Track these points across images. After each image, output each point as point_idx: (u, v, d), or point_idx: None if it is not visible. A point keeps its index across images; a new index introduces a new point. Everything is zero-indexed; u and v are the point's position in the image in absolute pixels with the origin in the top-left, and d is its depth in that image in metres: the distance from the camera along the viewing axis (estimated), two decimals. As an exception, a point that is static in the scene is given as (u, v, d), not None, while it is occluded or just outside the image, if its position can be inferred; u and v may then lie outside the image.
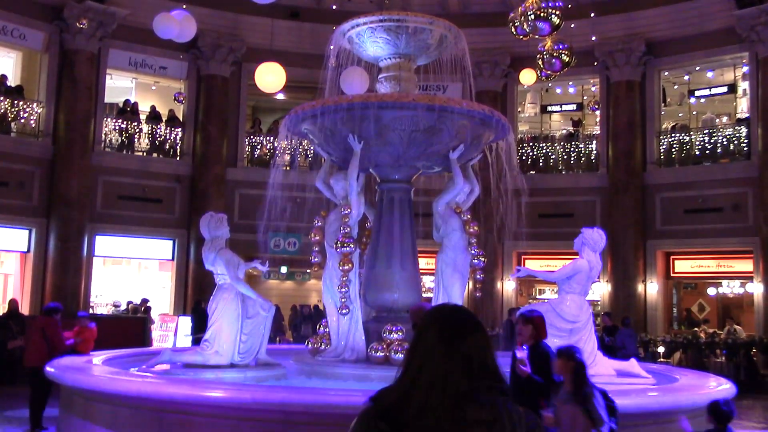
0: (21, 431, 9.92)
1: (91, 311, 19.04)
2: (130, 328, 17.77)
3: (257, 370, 9.25)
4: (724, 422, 5.68)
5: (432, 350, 2.03)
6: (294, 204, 11.84)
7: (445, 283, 9.99)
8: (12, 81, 20.80)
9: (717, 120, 22.46)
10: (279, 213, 11.27)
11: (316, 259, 10.26)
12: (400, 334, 9.33)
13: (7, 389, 13.61)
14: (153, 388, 7.59)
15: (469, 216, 10.21)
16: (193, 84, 22.59)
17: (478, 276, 10.21)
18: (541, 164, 23.13)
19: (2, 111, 19.91)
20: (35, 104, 20.46)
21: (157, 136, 22.42)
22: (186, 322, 18.16)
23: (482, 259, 10.12)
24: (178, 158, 22.46)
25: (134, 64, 22.28)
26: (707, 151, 21.16)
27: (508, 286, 22.48)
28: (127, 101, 22.82)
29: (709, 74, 22.65)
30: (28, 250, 20.09)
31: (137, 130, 22.29)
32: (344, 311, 9.52)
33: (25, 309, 18.75)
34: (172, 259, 22.24)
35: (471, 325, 2.09)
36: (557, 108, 25.55)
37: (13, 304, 16.36)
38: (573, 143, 23.34)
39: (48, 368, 8.90)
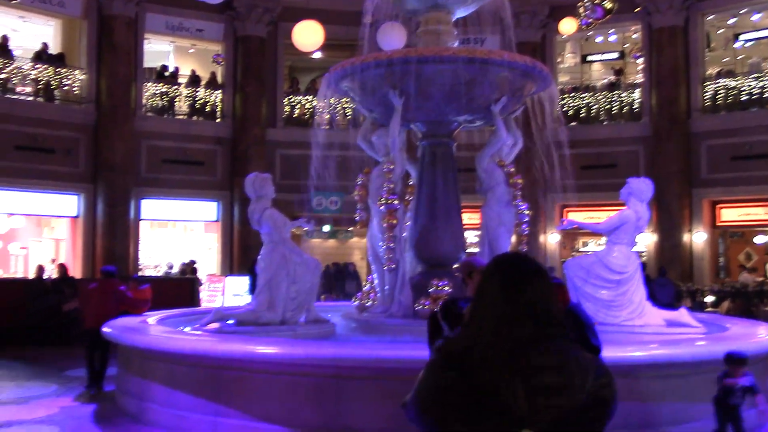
0: (81, 390, 10.25)
1: (140, 273, 19.47)
2: (179, 289, 18.12)
3: (307, 327, 9.40)
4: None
5: (495, 298, 2.05)
6: (335, 163, 11.89)
7: (490, 237, 10.00)
8: (53, 49, 21.06)
9: (764, 64, 21.81)
10: (320, 172, 11.33)
11: (360, 217, 10.32)
12: (447, 288, 9.39)
13: (65, 350, 14.04)
14: (207, 345, 7.79)
15: (512, 169, 10.17)
16: (230, 46, 22.64)
17: (523, 229, 10.20)
18: (582, 115, 22.79)
19: (46, 79, 20.20)
20: (77, 71, 20.72)
21: (197, 99, 22.57)
22: (232, 282, 18.47)
23: (527, 213, 10.10)
24: (218, 120, 22.63)
25: (171, 27, 22.38)
26: (754, 97, 20.61)
27: (551, 240, 22.38)
28: (164, 66, 22.96)
29: (755, 17, 21.94)
30: (78, 216, 20.56)
31: (177, 94, 22.46)
32: (390, 267, 9.60)
33: (77, 272, 19.26)
34: (217, 220, 22.57)
35: (533, 271, 2.12)
36: (598, 57, 25.07)
37: (62, 269, 16.81)
38: (615, 93, 22.92)
39: (105, 329, 9.16)
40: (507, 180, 10.01)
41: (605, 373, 2.06)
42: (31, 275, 18.20)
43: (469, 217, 15.93)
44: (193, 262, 21.00)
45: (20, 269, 21.11)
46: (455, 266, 10.31)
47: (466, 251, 10.86)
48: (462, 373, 1.97)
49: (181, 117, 22.45)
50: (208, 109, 22.67)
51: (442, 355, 2.07)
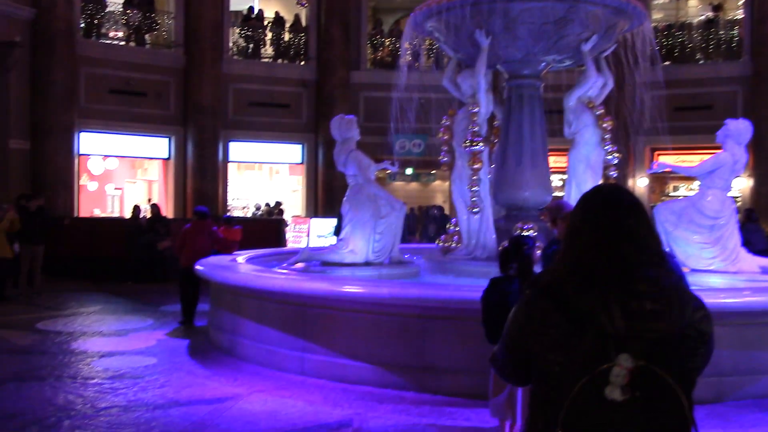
0: (175, 324, 10.74)
1: (228, 214, 20.02)
2: (266, 230, 18.58)
3: (391, 268, 9.51)
4: None
5: (597, 224, 2.05)
6: (419, 105, 11.80)
7: (578, 180, 9.81)
8: (143, -7, 21.46)
9: None
10: (404, 114, 11.28)
11: (444, 159, 10.27)
12: (532, 231, 9.30)
13: (161, 286, 14.69)
14: (296, 284, 8.00)
15: (601, 110, 9.89)
16: (315, -13, 22.57)
17: (612, 173, 9.96)
18: (677, 54, 21.82)
19: (136, 23, 20.68)
20: (165, 15, 21.11)
21: (282, 42, 22.70)
22: (317, 224, 18.80)
23: (616, 155, 9.84)
24: (302, 63, 22.74)
25: (256, -31, 22.44)
26: None
27: (640, 183, 21.79)
28: (251, 8, 23.11)
29: None
30: (169, 157, 21.23)
31: (262, 37, 22.64)
32: (475, 210, 9.57)
33: (168, 213, 19.98)
34: (302, 162, 22.89)
35: (633, 201, 2.12)
36: (695, -8, 23.86)
37: (155, 209, 17.46)
38: (712, 30, 21.81)
39: (198, 267, 9.51)
40: (596, 122, 9.75)
41: (703, 307, 2.05)
42: (127, 215, 18.98)
43: (555, 160, 15.65)
44: (279, 204, 21.44)
45: (116, 209, 22.04)
46: (541, 210, 10.20)
47: (552, 195, 10.68)
48: (557, 302, 1.98)
49: (266, 60, 22.67)
50: (292, 51, 22.79)
51: (535, 287, 2.08)
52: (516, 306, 2.14)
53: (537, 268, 5.79)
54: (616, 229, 2.03)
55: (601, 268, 1.97)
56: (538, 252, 6.87)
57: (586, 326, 1.93)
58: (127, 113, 19.97)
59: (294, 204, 23.05)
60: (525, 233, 9.18)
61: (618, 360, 1.88)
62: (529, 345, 2.06)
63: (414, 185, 24.60)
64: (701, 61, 21.72)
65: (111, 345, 9.30)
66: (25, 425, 5.94)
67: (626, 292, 1.92)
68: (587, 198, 2.16)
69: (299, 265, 9.60)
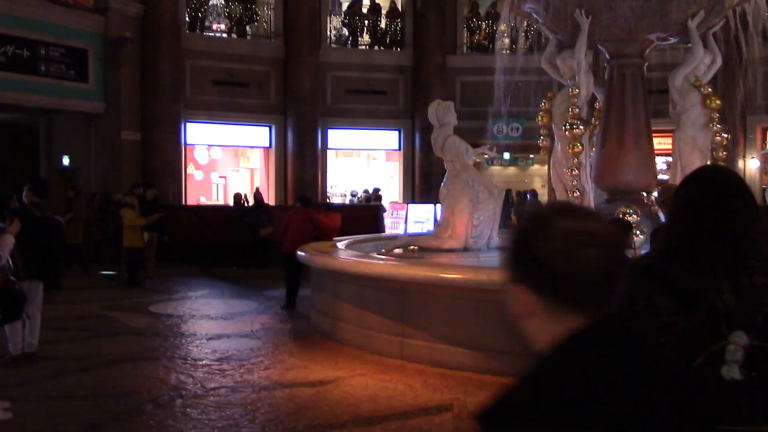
0: (278, 308, 11.05)
1: (328, 200, 20.37)
2: (364, 215, 18.79)
3: (490, 253, 9.47)
4: None
5: (702, 206, 2.02)
6: (516, 88, 11.65)
7: (684, 163, 9.46)
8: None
9: None
10: (502, 98, 11.16)
11: (543, 143, 10.12)
12: (635, 216, 9.05)
13: (264, 272, 15.11)
14: (395, 269, 8.08)
15: (709, 89, 9.49)
16: (410, -27, 22.55)
17: (720, 155, 9.56)
18: (792, 27, 20.62)
19: (238, 16, 21.25)
20: (265, 7, 21.59)
21: (378, 28, 22.82)
22: (415, 209, 18.88)
23: (725, 135, 9.43)
24: (399, 49, 22.80)
25: (353, -42, 22.59)
26: None
27: (751, 165, 20.77)
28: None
29: None
30: (270, 146, 21.75)
31: (359, 25, 22.82)
32: (575, 194, 9.39)
33: (270, 200, 20.49)
34: (399, 149, 22.99)
35: (742, 185, 2.08)
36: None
37: (258, 196, 17.94)
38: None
39: (300, 252, 9.73)
40: (703, 101, 9.36)
41: None
42: (230, 202, 19.60)
43: (659, 142, 15.18)
44: (377, 190, 21.66)
45: (221, 197, 22.78)
46: (647, 193, 9.90)
47: (657, 178, 10.35)
48: (662, 283, 1.94)
49: (363, 47, 22.85)
50: (389, 38, 22.88)
51: (636, 269, 2.04)
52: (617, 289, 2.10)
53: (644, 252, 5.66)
54: (723, 210, 1.99)
55: (707, 247, 1.93)
56: (640, 237, 6.69)
57: (695, 305, 1.88)
58: (229, 103, 20.58)
59: (392, 190, 23.20)
60: (628, 217, 8.95)
61: (732, 337, 1.83)
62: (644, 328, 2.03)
63: (512, 169, 24.32)
64: (819, 34, 20.45)
65: (218, 328, 9.67)
66: (141, 402, 6.27)
67: (735, 267, 1.88)
68: (692, 179, 2.12)
69: (398, 250, 9.69)
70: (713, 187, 2.04)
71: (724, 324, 1.85)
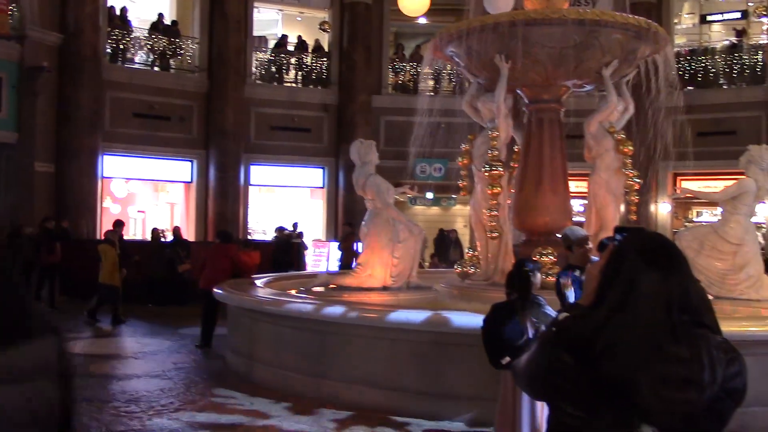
0: (192, 347, 10.72)
1: (249, 237, 20.07)
2: (286, 253, 18.59)
3: (409, 293, 9.46)
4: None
5: (635, 283, 1.88)
6: (439, 129, 11.79)
7: (598, 206, 9.72)
8: (167, 18, 21.75)
9: None
10: (424, 139, 11.27)
11: (464, 184, 10.24)
12: (552, 257, 9.22)
13: (180, 309, 14.69)
14: (313, 308, 7.97)
15: (622, 135, 9.81)
16: (337, 12, 22.77)
17: (633, 198, 9.85)
18: (699, 79, 21.67)
19: (161, 49, 20.96)
20: (189, 41, 21.39)
21: (304, 66, 22.88)
22: (337, 248, 18.79)
23: (637, 180, 9.74)
24: (324, 88, 22.89)
25: (280, -5, 22.69)
26: None
27: (662, 209, 21.57)
28: (284, 36, 23.29)
29: None
30: (191, 180, 21.38)
31: (285, 62, 22.84)
32: (494, 235, 9.50)
33: (190, 235, 20.07)
34: (323, 186, 22.95)
35: (676, 255, 1.94)
36: (718, 17, 23.70)
37: (177, 231, 17.57)
38: (736, 55, 21.66)
39: (216, 290, 9.51)
40: (616, 147, 9.66)
41: (737, 360, 1.88)
42: (148, 238, 19.09)
43: (576, 185, 15.58)
44: (296, 225, 21.49)
45: (138, 232, 22.18)
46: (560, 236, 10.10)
47: (573, 220, 10.59)
48: (583, 360, 1.84)
49: (288, 84, 22.85)
50: (314, 76, 22.96)
51: (560, 337, 1.94)
52: (539, 347, 2.01)
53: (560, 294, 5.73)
54: (656, 291, 1.86)
55: (633, 330, 1.83)
56: (543, 277, 6.78)
57: (611, 391, 1.80)
58: (150, 137, 20.16)
59: (314, 228, 23.07)
60: (544, 258, 9.11)
61: (641, 430, 1.80)
62: (548, 393, 1.97)
63: (434, 209, 24.56)
64: (725, 86, 21.55)
65: (128, 368, 9.31)
66: (40, 448, 5.92)
67: (659, 357, 1.78)
68: (627, 249, 1.97)
69: (318, 289, 9.58)
70: (656, 262, 1.92)
71: (638, 418, 1.80)
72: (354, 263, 15.43)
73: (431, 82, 20.31)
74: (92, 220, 18.75)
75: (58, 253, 14.78)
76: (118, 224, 14.72)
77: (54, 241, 14.86)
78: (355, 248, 15.24)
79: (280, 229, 18.67)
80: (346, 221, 19.72)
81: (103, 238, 14.83)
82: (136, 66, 21.00)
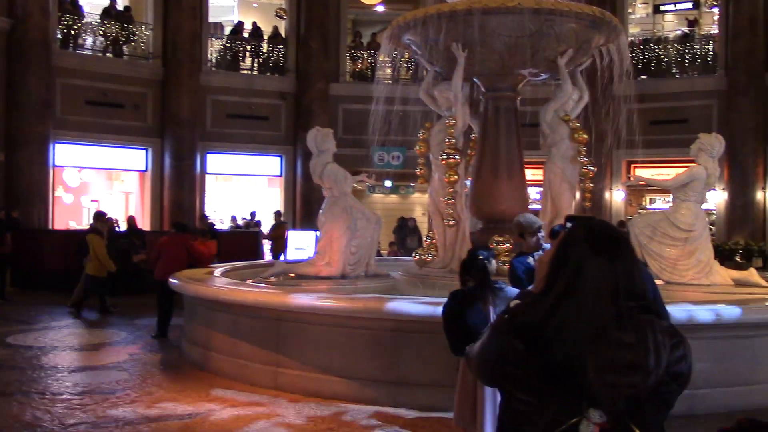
0: (148, 338, 10.59)
1: (212, 225, 19.82)
2: (243, 242, 18.45)
3: (367, 281, 9.46)
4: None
5: (581, 270, 1.91)
6: (397, 117, 11.79)
7: (553, 194, 9.82)
8: (120, 4, 21.33)
9: None
10: (382, 127, 11.25)
11: (421, 172, 10.26)
12: (507, 244, 9.30)
13: (134, 299, 14.49)
14: (270, 297, 7.93)
15: (577, 124, 9.92)
16: (294, -1, 22.58)
17: (587, 186, 9.98)
18: (653, 68, 22.03)
19: (114, 35, 20.54)
20: (143, 27, 21.00)
21: (261, 53, 22.65)
22: (295, 236, 18.67)
23: (592, 168, 9.86)
24: (281, 75, 22.70)
25: (235, -19, 22.39)
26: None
27: (617, 197, 21.92)
28: (240, 23, 22.99)
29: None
30: (146, 169, 21.05)
31: (241, 49, 22.58)
32: (451, 223, 9.55)
33: (145, 225, 19.79)
34: (280, 175, 22.81)
35: (622, 243, 1.98)
36: (671, 7, 24.10)
37: (131, 221, 17.31)
38: (688, 44, 22.06)
39: (172, 280, 9.39)
40: (571, 135, 9.76)
41: (681, 344, 1.92)
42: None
43: (532, 173, 15.73)
44: (253, 214, 21.35)
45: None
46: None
47: (529, 208, 10.69)
48: (532, 347, 1.87)
49: (245, 72, 22.60)
50: (271, 63, 22.75)
51: (511, 324, 1.97)
52: (490, 334, 2.03)
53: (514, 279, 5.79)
54: (602, 276, 1.90)
55: (581, 317, 1.86)
56: (499, 264, 6.85)
57: (560, 376, 1.84)
58: (103, 125, 19.79)
59: (272, 216, 22.91)
60: (500, 246, 9.19)
61: (588, 413, 1.83)
62: (500, 380, 1.99)
63: (393, 197, 24.59)
64: (677, 76, 21.94)
65: (82, 360, 9.16)
66: (-10, 443, 5.82)
67: (604, 342, 1.82)
68: (578, 238, 2.00)
69: (274, 278, 9.53)
70: (602, 249, 1.95)
71: (585, 400, 1.82)
72: (283, 254, 15.52)
73: (389, 70, 20.26)
74: (44, 209, 18.35)
75: (8, 244, 14.45)
76: (101, 214, 14.45)
77: (4, 231, 14.52)
78: (285, 237, 15.58)
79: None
80: (276, 211, 20.50)
81: (88, 228, 14.50)
82: (88, 52, 20.56)
